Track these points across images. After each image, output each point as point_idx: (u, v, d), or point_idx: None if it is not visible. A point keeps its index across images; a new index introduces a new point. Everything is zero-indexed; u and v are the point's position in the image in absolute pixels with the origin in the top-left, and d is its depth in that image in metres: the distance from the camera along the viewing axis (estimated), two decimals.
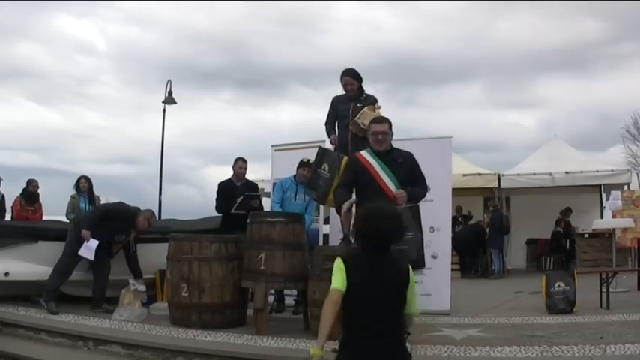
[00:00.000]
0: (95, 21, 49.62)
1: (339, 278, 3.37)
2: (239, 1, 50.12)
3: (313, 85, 53.38)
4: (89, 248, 7.79)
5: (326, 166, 7.03)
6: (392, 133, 5.97)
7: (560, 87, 46.78)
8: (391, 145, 5.98)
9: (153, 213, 8.59)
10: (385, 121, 5.99)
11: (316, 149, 8.12)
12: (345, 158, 6.91)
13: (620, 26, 40.66)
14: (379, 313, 3.32)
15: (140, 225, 8.10)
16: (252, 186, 8.71)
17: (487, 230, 15.41)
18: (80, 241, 7.82)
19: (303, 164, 8.02)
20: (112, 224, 8.00)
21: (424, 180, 6.02)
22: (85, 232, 7.79)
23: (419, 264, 5.65)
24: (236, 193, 8.37)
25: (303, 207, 8.00)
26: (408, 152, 6.05)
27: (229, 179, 8.61)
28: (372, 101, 7.08)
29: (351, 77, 7.14)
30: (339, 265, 3.40)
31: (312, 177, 7.27)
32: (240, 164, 8.56)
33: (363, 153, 5.99)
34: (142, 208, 8.38)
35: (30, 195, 11.18)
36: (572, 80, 47.74)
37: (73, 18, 49.09)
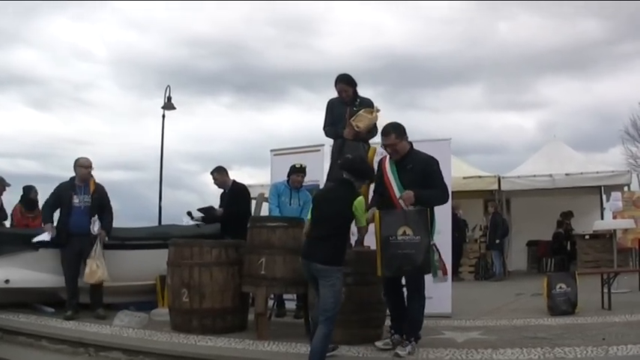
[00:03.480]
0: (92, 25, 49.55)
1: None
2: (238, 4, 50.19)
3: (313, 89, 53.26)
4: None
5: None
6: (404, 137, 5.94)
7: (560, 88, 46.75)
8: (410, 149, 5.97)
9: None
10: (390, 132, 5.91)
11: (316, 153, 8.14)
12: (373, 147, 6.93)
13: (620, 26, 40.67)
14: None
15: None
16: (236, 190, 8.83)
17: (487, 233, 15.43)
18: (64, 246, 8.01)
19: (296, 170, 8.04)
20: None
21: (441, 183, 5.90)
22: (46, 226, 8.09)
23: (424, 269, 5.62)
24: (223, 199, 8.78)
25: (299, 211, 7.99)
26: (424, 157, 5.96)
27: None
28: (367, 105, 7.04)
29: (345, 84, 7.08)
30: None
31: (333, 171, 7.13)
32: (212, 177, 8.90)
33: (387, 158, 6.07)
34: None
35: (30, 202, 11.15)
36: (572, 81, 47.74)
37: (70, 22, 49.01)
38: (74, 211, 8.08)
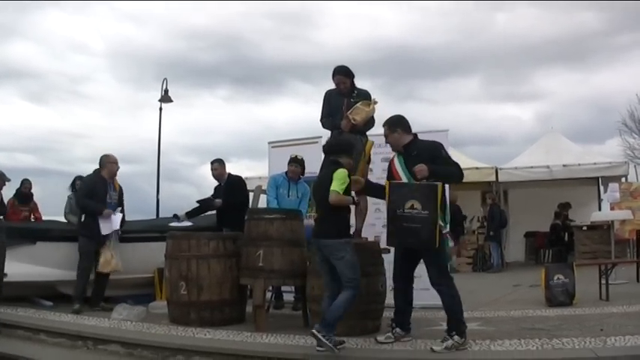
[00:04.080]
0: (89, 18, 49.39)
1: None
2: None
3: (311, 81, 53.19)
4: (114, 222, 8.05)
5: None
6: (396, 130, 5.94)
7: (557, 79, 46.68)
8: (412, 139, 5.95)
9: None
10: (384, 125, 6.03)
11: (313, 145, 8.11)
12: (370, 141, 6.93)
13: (618, 17, 40.58)
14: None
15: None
16: (233, 182, 8.80)
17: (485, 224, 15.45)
18: (92, 238, 7.95)
19: (292, 160, 8.05)
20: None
21: (452, 161, 5.87)
22: (106, 211, 8.03)
23: (429, 243, 5.48)
24: (219, 192, 8.71)
25: (297, 203, 7.99)
26: (428, 143, 5.95)
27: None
28: (365, 96, 7.02)
29: (343, 75, 7.07)
30: None
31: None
32: (211, 167, 8.80)
33: (395, 155, 6.09)
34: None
35: (23, 195, 11.13)
36: (569, 72, 47.64)
37: (66, 15, 48.86)
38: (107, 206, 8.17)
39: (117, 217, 8.12)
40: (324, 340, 5.37)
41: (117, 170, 8.40)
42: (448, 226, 5.83)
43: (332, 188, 5.61)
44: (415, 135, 6.02)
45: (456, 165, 5.88)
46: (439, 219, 5.49)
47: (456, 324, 5.60)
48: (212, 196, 8.81)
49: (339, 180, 5.63)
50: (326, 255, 5.69)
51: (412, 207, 5.49)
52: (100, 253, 7.99)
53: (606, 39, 41.73)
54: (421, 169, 5.58)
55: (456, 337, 5.49)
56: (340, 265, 5.58)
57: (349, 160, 5.95)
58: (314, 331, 5.46)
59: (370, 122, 6.95)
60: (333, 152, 6.00)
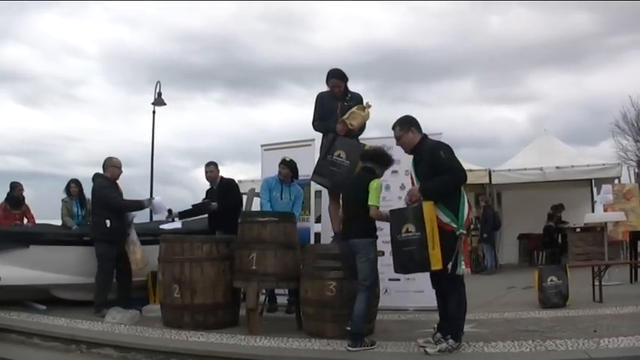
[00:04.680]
0: (82, 21, 49.40)
1: None
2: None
3: (304, 84, 53.32)
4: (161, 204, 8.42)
5: (341, 153, 6.94)
6: (409, 130, 5.84)
7: (551, 81, 46.96)
8: (421, 140, 5.85)
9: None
10: (395, 126, 5.93)
11: (306, 147, 8.10)
12: (368, 146, 6.91)
13: (611, 19, 40.80)
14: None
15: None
16: (226, 184, 8.78)
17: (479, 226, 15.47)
18: (115, 243, 8.02)
19: (282, 162, 8.10)
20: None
21: (450, 166, 5.57)
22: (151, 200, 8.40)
23: (424, 266, 5.43)
24: (211, 195, 8.68)
25: (290, 206, 7.99)
26: (431, 144, 5.80)
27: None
28: (358, 100, 7.02)
29: (338, 79, 7.08)
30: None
31: (320, 164, 7.15)
32: (206, 169, 8.80)
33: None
34: None
35: (14, 199, 11.10)
36: (563, 74, 47.92)
37: (59, 18, 48.82)
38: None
39: (159, 199, 8.41)
40: (361, 349, 5.67)
41: (119, 175, 8.41)
42: (461, 228, 5.50)
43: (371, 203, 5.84)
44: (424, 135, 5.91)
45: (452, 168, 5.59)
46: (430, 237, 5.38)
47: (455, 329, 5.57)
48: (204, 199, 8.80)
49: (377, 192, 5.88)
50: (353, 254, 5.92)
51: (407, 230, 5.51)
52: (125, 253, 8.12)
53: (600, 40, 42.01)
54: (412, 192, 5.66)
55: (450, 341, 5.48)
56: (363, 265, 5.87)
57: (382, 172, 6.20)
58: (349, 348, 5.69)
59: (364, 127, 6.97)
60: (376, 161, 6.14)
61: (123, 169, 8.39)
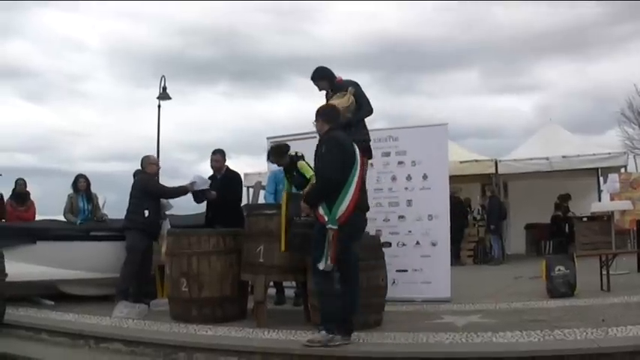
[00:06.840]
0: (85, 16, 49.41)
1: None
2: None
3: (309, 75, 53.12)
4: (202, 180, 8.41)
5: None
6: (321, 120, 5.90)
7: (556, 70, 46.78)
8: (327, 130, 5.87)
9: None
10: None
11: (313, 139, 8.04)
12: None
13: (617, 8, 40.59)
14: None
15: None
16: (230, 176, 8.67)
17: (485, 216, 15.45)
18: (149, 234, 8.23)
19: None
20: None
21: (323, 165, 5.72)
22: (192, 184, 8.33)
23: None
24: (214, 184, 8.47)
25: None
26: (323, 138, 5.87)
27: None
28: (342, 89, 6.91)
29: (318, 80, 7.03)
30: None
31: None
32: (212, 157, 8.62)
33: None
34: None
35: (18, 195, 11.11)
36: (568, 63, 47.76)
37: (62, 13, 48.85)
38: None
39: (197, 175, 8.47)
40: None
41: (157, 170, 8.91)
42: (331, 223, 5.43)
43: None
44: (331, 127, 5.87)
45: (323, 169, 5.73)
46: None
47: (325, 321, 5.58)
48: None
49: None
50: None
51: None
52: (151, 247, 8.29)
53: (605, 29, 41.77)
54: (303, 207, 5.89)
55: (323, 332, 5.48)
56: None
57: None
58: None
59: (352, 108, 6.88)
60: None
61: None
